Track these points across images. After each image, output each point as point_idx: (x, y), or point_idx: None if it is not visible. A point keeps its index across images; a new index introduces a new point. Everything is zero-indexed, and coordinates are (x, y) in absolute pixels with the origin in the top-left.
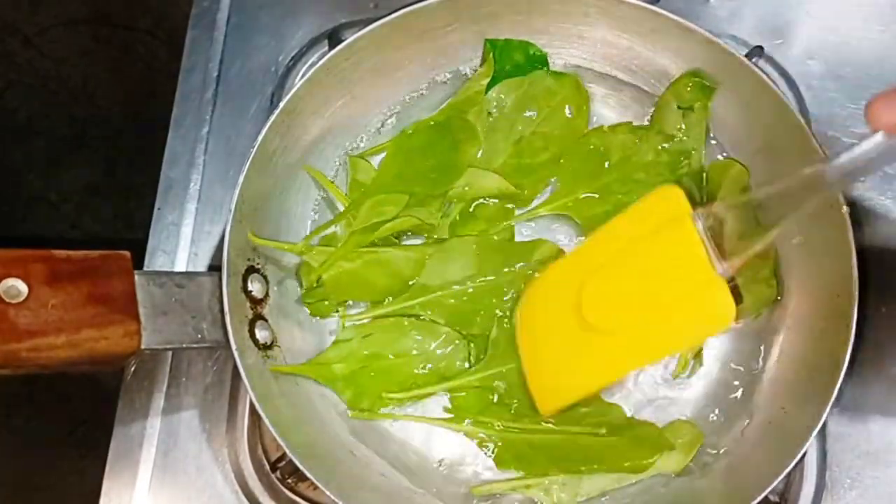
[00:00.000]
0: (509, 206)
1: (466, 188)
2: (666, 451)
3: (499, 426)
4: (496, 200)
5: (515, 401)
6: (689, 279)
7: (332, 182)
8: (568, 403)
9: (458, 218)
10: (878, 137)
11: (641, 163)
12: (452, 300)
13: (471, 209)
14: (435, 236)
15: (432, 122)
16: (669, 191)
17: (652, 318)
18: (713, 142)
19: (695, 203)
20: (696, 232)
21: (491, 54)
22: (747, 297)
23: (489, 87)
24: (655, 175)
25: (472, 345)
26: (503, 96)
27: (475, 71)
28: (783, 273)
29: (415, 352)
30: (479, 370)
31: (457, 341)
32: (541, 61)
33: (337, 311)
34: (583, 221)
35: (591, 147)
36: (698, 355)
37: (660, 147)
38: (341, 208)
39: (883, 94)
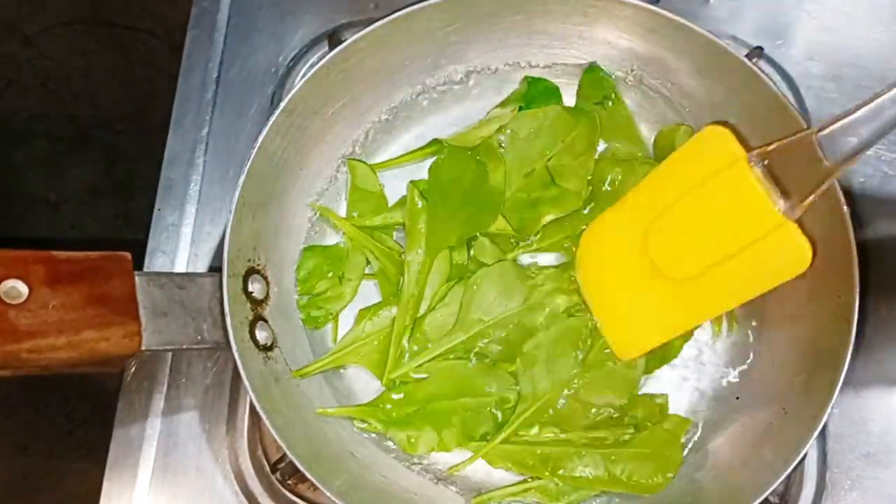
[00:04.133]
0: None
1: None
2: (678, 468)
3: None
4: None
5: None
6: (755, 224)
7: (332, 212)
8: (647, 350)
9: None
10: None
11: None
12: (501, 328)
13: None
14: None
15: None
16: (718, 134)
17: (724, 264)
18: None
19: (747, 145)
20: (752, 177)
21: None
22: None
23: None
24: None
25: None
26: (516, 128)
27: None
28: None
29: (468, 392)
30: (528, 406)
31: (506, 375)
32: (554, 95)
33: (329, 322)
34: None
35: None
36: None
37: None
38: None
39: None
